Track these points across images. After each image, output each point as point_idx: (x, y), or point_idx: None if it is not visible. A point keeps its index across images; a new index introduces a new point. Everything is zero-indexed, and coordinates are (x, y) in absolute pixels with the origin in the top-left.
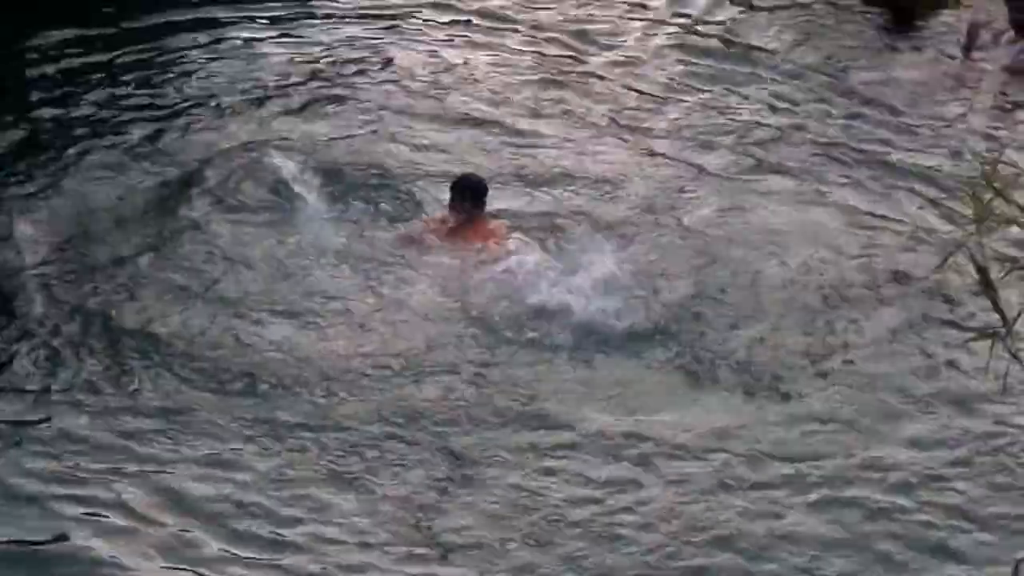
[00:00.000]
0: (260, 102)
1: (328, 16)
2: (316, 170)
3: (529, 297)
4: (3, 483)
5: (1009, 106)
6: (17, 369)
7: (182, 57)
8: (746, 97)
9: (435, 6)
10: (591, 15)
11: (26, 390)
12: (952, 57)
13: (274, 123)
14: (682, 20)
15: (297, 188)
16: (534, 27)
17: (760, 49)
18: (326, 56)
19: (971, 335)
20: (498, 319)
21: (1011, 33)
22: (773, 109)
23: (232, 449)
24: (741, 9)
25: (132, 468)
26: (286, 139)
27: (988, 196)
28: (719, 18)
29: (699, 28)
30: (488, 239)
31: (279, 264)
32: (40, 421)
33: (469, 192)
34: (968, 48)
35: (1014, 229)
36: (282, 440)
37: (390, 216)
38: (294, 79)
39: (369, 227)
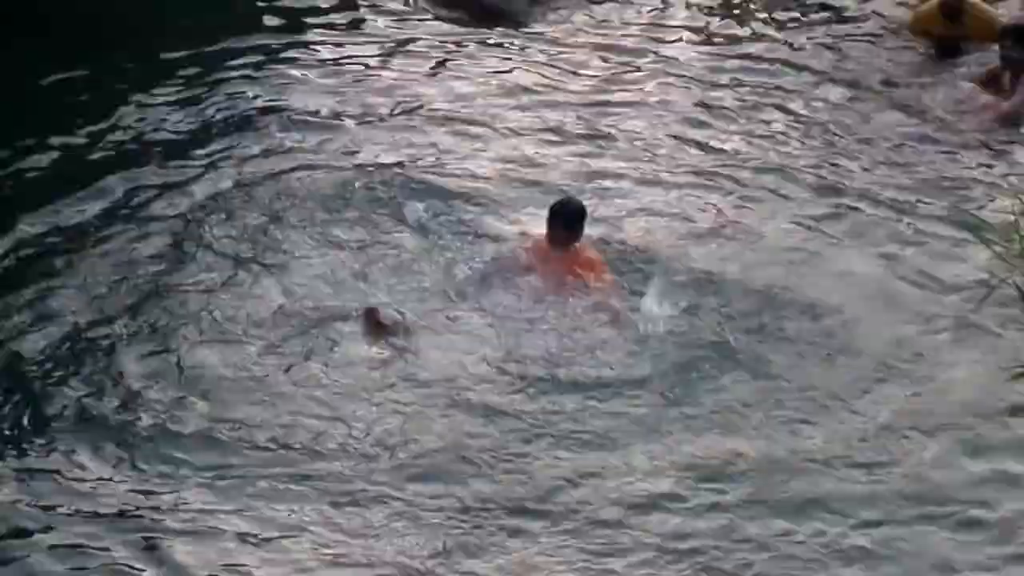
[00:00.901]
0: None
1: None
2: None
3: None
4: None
5: None
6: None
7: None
8: (777, 130)
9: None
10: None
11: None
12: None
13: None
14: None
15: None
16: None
17: (806, 68)
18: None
19: (1016, 371)
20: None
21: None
22: (804, 145)
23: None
24: (785, 35)
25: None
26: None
27: None
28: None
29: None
30: (588, 270)
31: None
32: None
33: (566, 218)
34: (986, 85)
35: None
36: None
37: (476, 237)
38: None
39: (460, 252)
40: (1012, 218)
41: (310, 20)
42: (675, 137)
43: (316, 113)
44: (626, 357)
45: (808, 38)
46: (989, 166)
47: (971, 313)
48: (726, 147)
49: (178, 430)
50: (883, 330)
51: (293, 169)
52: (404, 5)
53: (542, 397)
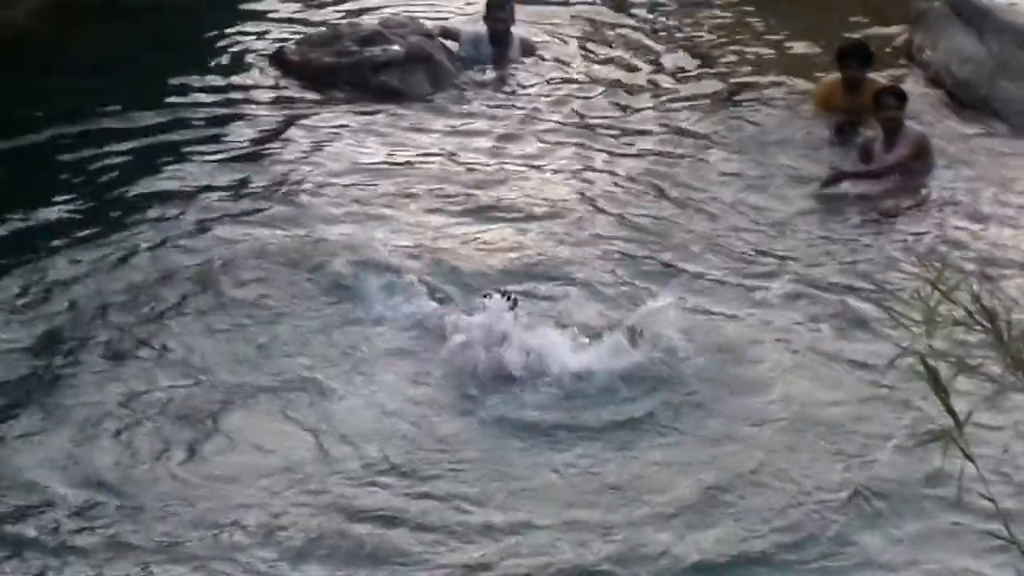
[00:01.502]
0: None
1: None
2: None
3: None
4: None
5: (960, 208)
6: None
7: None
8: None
9: None
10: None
11: None
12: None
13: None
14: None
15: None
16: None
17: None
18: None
19: (924, 437)
20: None
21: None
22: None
23: None
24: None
25: None
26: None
27: (935, 299)
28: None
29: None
30: None
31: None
32: None
33: None
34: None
35: (960, 330)
36: None
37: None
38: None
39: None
40: (915, 286)
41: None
42: (594, 207)
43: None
44: None
45: (710, 110)
46: (892, 235)
47: (876, 384)
48: (635, 219)
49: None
50: (790, 402)
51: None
52: (301, 90)
53: None
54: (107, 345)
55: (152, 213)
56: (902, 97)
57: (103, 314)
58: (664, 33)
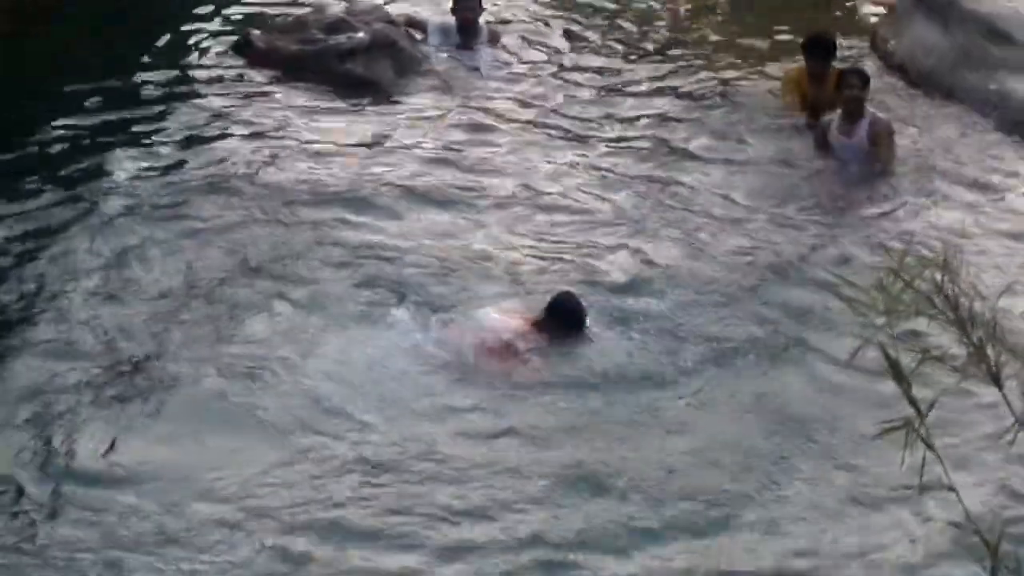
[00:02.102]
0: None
1: None
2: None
3: None
4: None
5: (923, 197)
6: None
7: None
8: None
9: None
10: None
11: None
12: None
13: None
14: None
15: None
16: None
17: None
18: None
19: (885, 426)
20: None
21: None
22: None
23: None
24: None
25: None
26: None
27: (897, 287)
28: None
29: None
30: None
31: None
32: None
33: (566, 317)
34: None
35: (923, 319)
36: None
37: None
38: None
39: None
40: (878, 275)
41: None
42: (559, 195)
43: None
44: None
45: (677, 99)
46: (855, 223)
47: (839, 373)
48: (600, 207)
49: None
50: (752, 393)
51: None
52: (267, 78)
53: None
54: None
55: (113, 202)
56: (866, 78)
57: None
58: (632, 21)
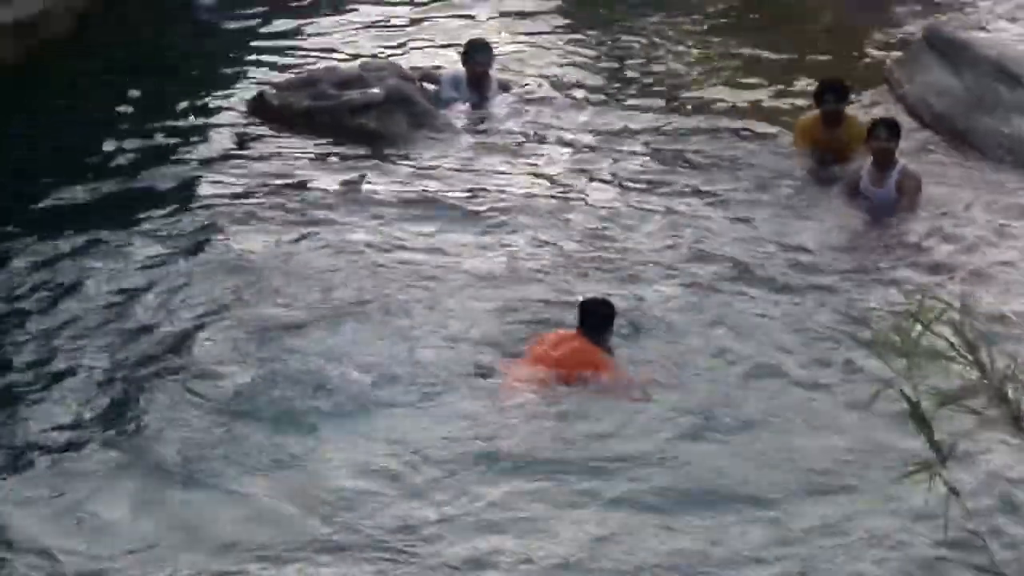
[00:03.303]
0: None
1: None
2: None
3: None
4: None
5: (941, 242)
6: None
7: None
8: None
9: None
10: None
11: None
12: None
13: None
14: None
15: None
16: None
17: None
18: None
19: (909, 470)
20: None
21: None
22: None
23: None
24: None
25: None
26: None
27: (916, 331)
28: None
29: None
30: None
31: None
32: None
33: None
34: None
35: (942, 362)
36: None
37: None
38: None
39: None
40: (897, 319)
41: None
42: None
43: None
44: None
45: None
46: (875, 268)
47: (860, 418)
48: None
49: None
50: (773, 438)
51: None
52: (281, 135)
53: None
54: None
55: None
56: (895, 129)
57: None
58: (642, 63)
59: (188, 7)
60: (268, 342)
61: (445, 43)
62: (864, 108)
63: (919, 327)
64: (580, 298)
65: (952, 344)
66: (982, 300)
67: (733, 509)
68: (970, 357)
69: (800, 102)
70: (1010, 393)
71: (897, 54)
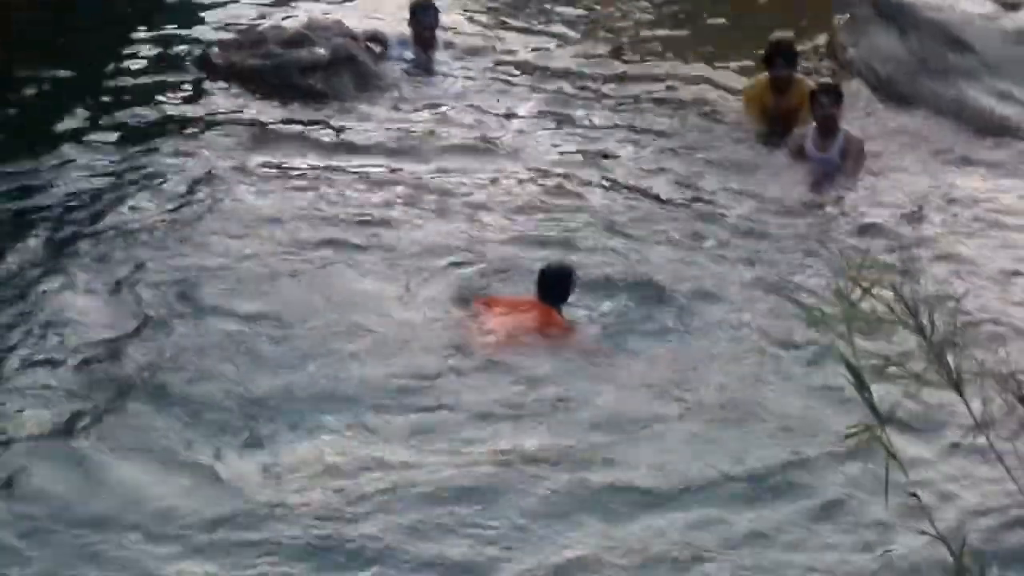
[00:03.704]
0: None
1: None
2: None
3: None
4: None
5: (883, 205)
6: None
7: None
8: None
9: None
10: None
11: None
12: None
13: None
14: None
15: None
16: None
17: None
18: None
19: (848, 433)
20: None
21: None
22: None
23: None
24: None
25: None
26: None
27: (855, 296)
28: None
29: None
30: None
31: None
32: None
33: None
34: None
35: (883, 327)
36: None
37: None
38: None
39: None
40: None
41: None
42: (523, 202)
43: None
44: None
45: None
46: (815, 231)
47: (801, 381)
48: (564, 215)
49: None
50: (714, 401)
51: None
52: (226, 93)
53: None
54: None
55: (74, 220)
56: (838, 95)
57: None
58: (588, 24)
59: None
60: (208, 313)
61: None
62: (808, 73)
63: (859, 292)
64: (538, 265)
65: (891, 308)
66: (924, 264)
67: (676, 497)
68: (910, 322)
69: (744, 64)
70: (949, 357)
71: (842, 17)
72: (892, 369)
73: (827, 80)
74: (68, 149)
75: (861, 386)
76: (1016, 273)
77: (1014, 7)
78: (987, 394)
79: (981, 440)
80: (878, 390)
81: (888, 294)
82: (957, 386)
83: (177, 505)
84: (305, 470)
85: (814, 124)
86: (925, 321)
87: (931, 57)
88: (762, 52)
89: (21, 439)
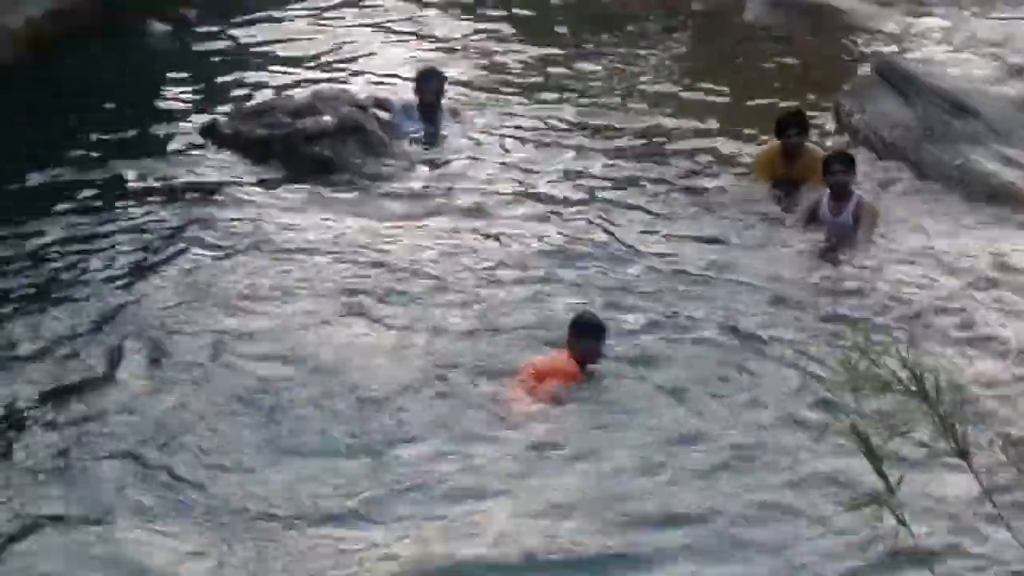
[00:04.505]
0: None
1: None
2: None
3: None
4: None
5: (887, 272)
6: None
7: None
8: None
9: None
10: None
11: None
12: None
13: None
14: None
15: None
16: None
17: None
18: None
19: (857, 501)
20: None
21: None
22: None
23: None
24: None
25: None
26: None
27: (862, 364)
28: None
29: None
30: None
31: None
32: None
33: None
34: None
35: (888, 395)
36: None
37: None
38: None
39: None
40: (845, 352)
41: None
42: (532, 270)
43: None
44: None
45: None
46: (823, 300)
47: (809, 448)
48: (573, 281)
49: None
50: (722, 470)
51: None
52: (233, 162)
53: None
54: None
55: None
56: (851, 162)
57: None
58: (598, 92)
59: (143, 35)
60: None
61: (395, 71)
62: (814, 140)
63: (865, 360)
64: (571, 316)
65: (897, 377)
66: (931, 331)
67: (681, 537)
68: (915, 389)
69: (750, 130)
70: (956, 426)
71: (845, 86)
72: (899, 438)
73: (840, 148)
74: (71, 215)
75: (869, 452)
76: (1022, 337)
77: (1019, 72)
78: (994, 459)
79: (988, 508)
80: (885, 456)
81: (894, 362)
82: (964, 454)
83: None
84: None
85: (827, 191)
86: (931, 389)
87: (937, 124)
88: (775, 120)
89: None
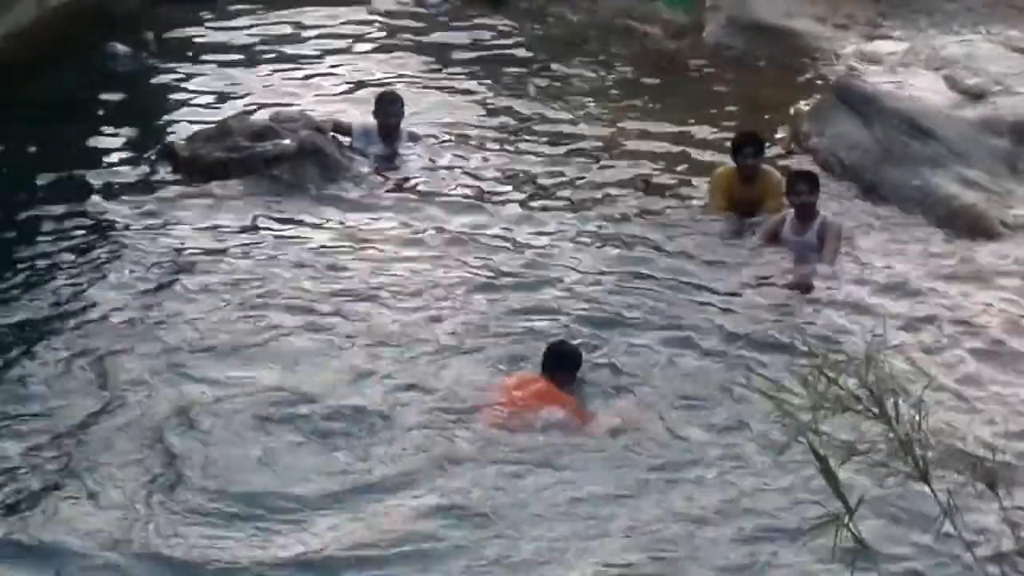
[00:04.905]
0: None
1: None
2: None
3: None
4: None
5: (847, 292)
6: None
7: None
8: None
9: None
10: None
11: None
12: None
13: None
14: None
15: None
16: None
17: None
18: None
19: (814, 524)
20: None
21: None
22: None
23: None
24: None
25: None
26: None
27: (822, 384)
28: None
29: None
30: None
31: None
32: None
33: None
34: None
35: (848, 415)
36: None
37: None
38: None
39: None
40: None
41: None
42: (488, 290)
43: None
44: None
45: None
46: (782, 319)
47: (768, 469)
48: (529, 303)
49: None
50: (681, 490)
51: None
52: (191, 185)
53: None
54: None
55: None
56: (815, 182)
57: None
58: (555, 120)
59: (105, 57)
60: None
61: (353, 93)
62: (772, 161)
63: (824, 380)
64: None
65: (858, 397)
66: (891, 351)
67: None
68: (875, 410)
69: (708, 152)
70: (916, 447)
71: (804, 107)
72: (859, 458)
73: (805, 168)
74: (32, 239)
75: (827, 472)
76: (980, 359)
77: (977, 97)
78: (954, 480)
79: (948, 528)
80: (845, 476)
81: (854, 383)
82: (924, 475)
83: None
84: None
85: (791, 211)
86: (890, 410)
87: (896, 146)
88: (729, 142)
89: None
